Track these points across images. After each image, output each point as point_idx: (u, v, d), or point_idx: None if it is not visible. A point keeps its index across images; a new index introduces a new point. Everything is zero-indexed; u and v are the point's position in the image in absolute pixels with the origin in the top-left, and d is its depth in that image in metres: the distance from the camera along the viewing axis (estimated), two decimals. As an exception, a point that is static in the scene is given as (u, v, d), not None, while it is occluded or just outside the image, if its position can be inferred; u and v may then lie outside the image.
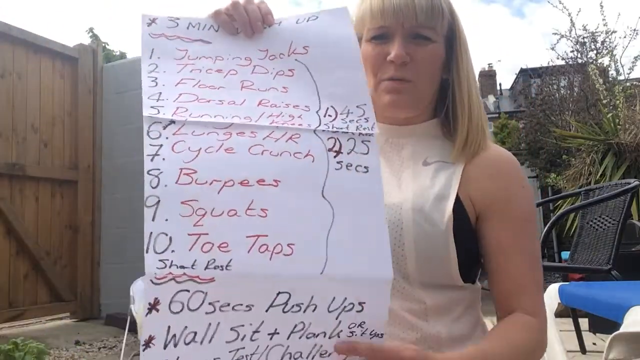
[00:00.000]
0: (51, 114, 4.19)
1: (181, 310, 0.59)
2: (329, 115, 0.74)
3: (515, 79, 17.56)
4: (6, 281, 3.76)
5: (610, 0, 8.43)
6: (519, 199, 0.87)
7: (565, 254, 3.37)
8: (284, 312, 0.62)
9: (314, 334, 0.64)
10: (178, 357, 0.60)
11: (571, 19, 8.39)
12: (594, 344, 2.73)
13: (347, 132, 0.72)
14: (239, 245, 0.62)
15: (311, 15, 0.83)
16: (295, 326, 0.63)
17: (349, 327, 0.64)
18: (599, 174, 4.60)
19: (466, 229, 0.85)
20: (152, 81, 0.73)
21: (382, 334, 0.65)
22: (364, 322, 0.64)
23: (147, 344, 0.59)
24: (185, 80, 0.75)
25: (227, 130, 0.70)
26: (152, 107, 0.70)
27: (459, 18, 0.92)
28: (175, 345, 0.59)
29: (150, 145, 0.66)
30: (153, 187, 0.63)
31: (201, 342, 0.60)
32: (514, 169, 0.90)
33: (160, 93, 0.72)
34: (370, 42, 0.89)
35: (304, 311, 0.63)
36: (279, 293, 0.62)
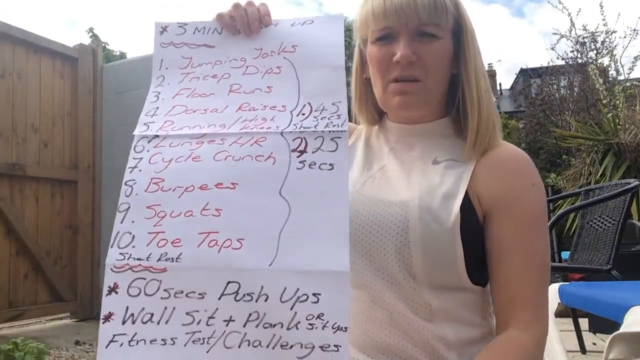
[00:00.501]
0: (51, 114, 4.18)
1: (138, 294, 0.69)
2: (302, 114, 0.78)
3: (515, 79, 17.54)
4: (6, 281, 3.76)
5: (610, 0, 8.43)
6: (526, 198, 0.84)
7: (565, 254, 3.37)
8: (236, 300, 0.68)
9: (271, 324, 0.67)
10: (135, 333, 0.68)
11: (571, 19, 8.39)
12: (594, 344, 2.73)
13: (316, 131, 0.76)
14: (191, 241, 0.70)
15: (307, 20, 0.87)
16: (250, 315, 0.68)
17: (306, 319, 0.66)
18: (599, 174, 4.61)
19: (475, 228, 0.83)
20: (155, 96, 0.84)
21: (345, 327, 0.65)
22: (323, 314, 0.66)
23: (107, 318, 0.68)
24: (182, 90, 0.84)
25: (200, 140, 0.78)
26: (144, 123, 0.80)
27: (465, 10, 0.89)
28: (133, 322, 0.68)
29: (133, 158, 0.77)
30: (127, 196, 0.74)
31: (158, 323, 0.68)
32: (524, 166, 0.87)
33: (157, 108, 0.82)
34: (375, 43, 0.88)
35: (256, 300, 0.68)
36: (229, 282, 0.69)
